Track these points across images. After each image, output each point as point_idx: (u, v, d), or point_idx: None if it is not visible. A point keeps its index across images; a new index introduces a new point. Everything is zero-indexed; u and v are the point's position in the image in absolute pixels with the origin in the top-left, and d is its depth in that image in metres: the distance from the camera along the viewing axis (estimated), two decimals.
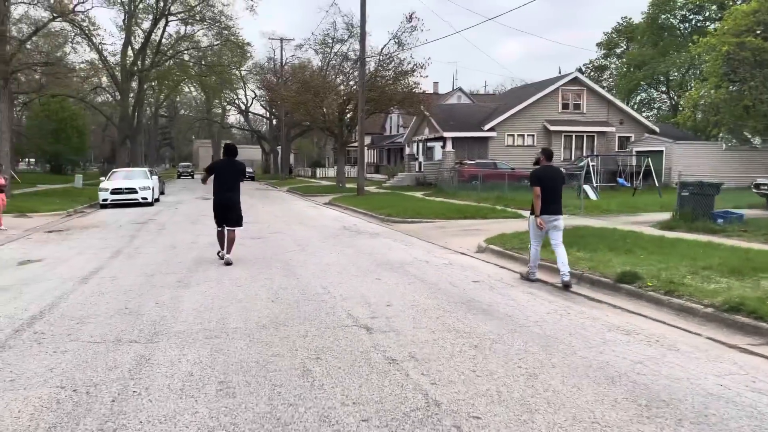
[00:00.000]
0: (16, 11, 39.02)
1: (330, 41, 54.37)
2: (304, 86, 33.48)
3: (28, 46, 33.59)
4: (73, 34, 43.64)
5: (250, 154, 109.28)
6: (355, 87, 30.11)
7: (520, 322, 5.96)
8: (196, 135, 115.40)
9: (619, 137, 35.85)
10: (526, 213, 9.29)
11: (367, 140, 57.85)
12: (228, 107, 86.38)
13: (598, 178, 26.84)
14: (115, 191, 22.35)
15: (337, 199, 25.23)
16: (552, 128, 34.65)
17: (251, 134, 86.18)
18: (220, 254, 9.79)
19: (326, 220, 17.22)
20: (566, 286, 7.56)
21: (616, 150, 34.46)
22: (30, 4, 33.93)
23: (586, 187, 21.68)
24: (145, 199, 22.80)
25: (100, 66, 47.67)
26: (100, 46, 44.41)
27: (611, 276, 7.58)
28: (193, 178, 61.90)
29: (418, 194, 27.65)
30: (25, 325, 5.81)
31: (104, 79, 51.65)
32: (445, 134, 33.93)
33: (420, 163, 40.37)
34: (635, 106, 51.62)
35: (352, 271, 8.86)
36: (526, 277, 8.25)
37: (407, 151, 43.01)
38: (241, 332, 5.54)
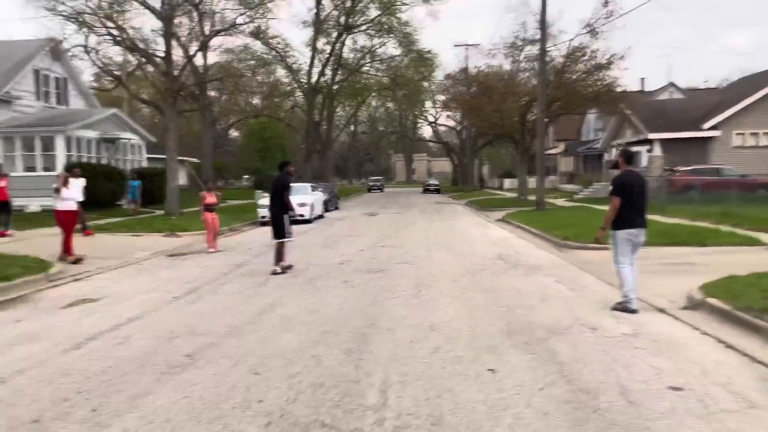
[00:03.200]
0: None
1: (520, 43, 50.52)
2: (480, 90, 30.26)
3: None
4: (268, 55, 45.91)
5: (440, 166, 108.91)
6: (535, 85, 26.15)
7: None
8: (394, 149, 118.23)
9: None
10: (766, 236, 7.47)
11: (561, 147, 52.55)
12: (418, 120, 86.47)
13: None
14: None
15: (512, 215, 21.60)
16: None
17: (441, 146, 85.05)
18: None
19: (483, 245, 13.89)
20: (631, 311, 6.71)
21: None
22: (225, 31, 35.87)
23: None
24: (303, 216, 21.49)
25: (295, 85, 49.84)
26: (292, 66, 46.20)
27: None
28: (382, 191, 61.92)
29: None
30: None
31: (300, 98, 53.96)
32: (651, 135, 28.18)
33: None
34: None
35: (461, 345, 5.58)
36: (625, 308, 6.87)
37: (605, 157, 37.36)
38: None
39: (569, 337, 5.83)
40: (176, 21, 23.94)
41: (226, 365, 5.06)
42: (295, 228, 19.58)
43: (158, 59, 21.48)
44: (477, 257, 11.70)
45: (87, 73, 26.85)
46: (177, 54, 25.10)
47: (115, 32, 21.27)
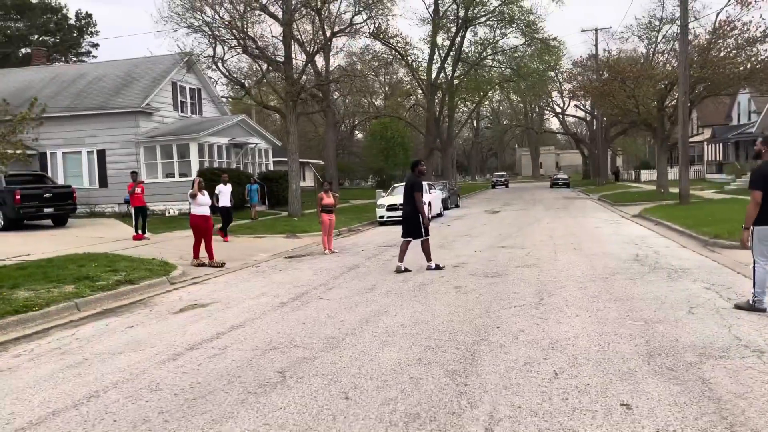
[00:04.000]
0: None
1: (657, 23, 46.50)
2: (612, 74, 27.95)
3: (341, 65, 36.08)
4: (389, 56, 46.10)
5: (569, 159, 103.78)
6: (677, 66, 23.54)
7: None
8: (519, 143, 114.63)
9: None
10: None
11: (707, 133, 47.66)
12: (545, 112, 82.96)
13: None
14: (390, 207, 21.12)
15: (650, 210, 19.59)
16: None
17: (570, 139, 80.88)
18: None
19: (616, 244, 12.51)
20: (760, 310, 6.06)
21: None
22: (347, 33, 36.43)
23: None
24: None
25: (415, 83, 49.70)
26: (413, 64, 46.02)
27: None
28: (507, 187, 60.06)
29: None
30: None
31: (420, 96, 53.74)
32: None
33: None
34: None
35: (587, 370, 4.70)
36: (752, 306, 6.28)
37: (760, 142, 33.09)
38: None
39: (727, 363, 4.72)
40: (296, 25, 24.57)
41: (317, 385, 4.60)
42: None
43: (279, 64, 22.03)
44: (609, 259, 10.47)
45: (219, 82, 28.24)
46: (299, 59, 25.76)
47: (239, 41, 22.15)
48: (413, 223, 10.22)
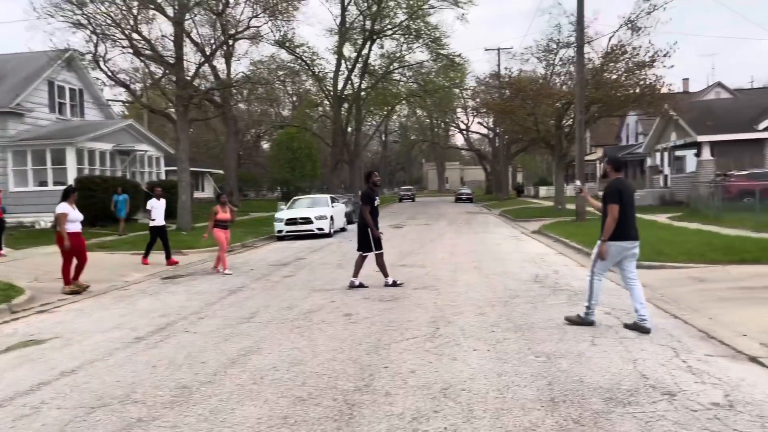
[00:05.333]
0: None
1: (554, 46, 48.41)
2: (513, 93, 28.44)
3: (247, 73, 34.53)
4: (294, 65, 44.98)
5: (473, 174, 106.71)
6: (573, 86, 24.21)
7: None
8: (426, 158, 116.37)
9: None
10: None
11: (599, 153, 50.13)
12: (450, 128, 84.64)
13: None
14: (289, 221, 20.01)
15: (549, 227, 19.73)
16: None
17: (474, 155, 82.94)
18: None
19: (517, 263, 12.15)
20: (644, 330, 6.18)
21: None
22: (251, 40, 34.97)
23: None
24: (322, 229, 20.07)
25: (322, 94, 48.80)
26: (319, 75, 45.14)
27: None
28: (413, 201, 60.25)
29: (663, 217, 20.72)
30: None
31: (327, 108, 52.87)
32: (700, 138, 25.91)
33: (665, 176, 32.31)
34: None
35: (484, 425, 3.94)
36: (581, 321, 6.53)
37: (648, 162, 35.05)
38: None
39: (637, 411, 4.13)
40: (195, 29, 23.03)
41: None
42: (312, 243, 18.32)
43: (170, 65, 20.39)
44: (510, 279, 10.00)
45: (106, 84, 25.93)
46: (193, 61, 24.14)
47: (129, 39, 20.30)
48: (360, 235, 9.81)
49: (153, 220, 13.76)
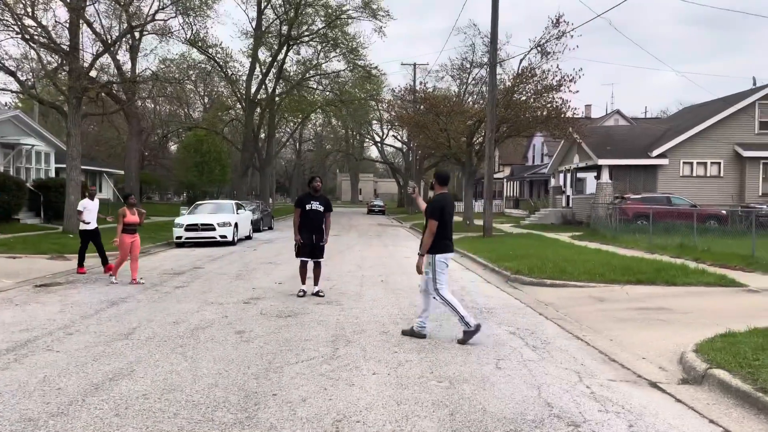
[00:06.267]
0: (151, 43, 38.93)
1: (468, 65, 49.66)
2: (427, 107, 28.67)
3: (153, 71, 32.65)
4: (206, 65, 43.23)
5: (387, 187, 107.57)
6: (485, 105, 24.70)
7: None
8: (340, 169, 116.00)
9: None
10: (735, 274, 8.64)
11: (507, 171, 51.82)
12: (365, 139, 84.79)
13: None
14: (190, 227, 18.87)
15: (458, 242, 19.69)
16: (746, 153, 26.47)
17: (388, 167, 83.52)
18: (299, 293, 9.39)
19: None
20: (420, 336, 6.60)
21: None
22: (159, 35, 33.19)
23: None
24: (225, 237, 19.08)
25: (235, 98, 47.20)
26: (232, 77, 43.67)
27: None
28: None
29: (565, 236, 21.41)
30: None
31: (239, 111, 51.25)
32: (600, 162, 27.18)
33: (568, 197, 33.70)
34: None
35: None
36: (415, 332, 6.71)
37: (552, 182, 36.48)
38: None
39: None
40: (99, 19, 21.39)
41: None
42: (213, 251, 17.34)
43: (63, 52, 18.73)
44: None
45: None
46: (92, 52, 22.43)
47: (17, 24, 18.46)
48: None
49: (87, 223, 12.02)
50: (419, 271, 6.76)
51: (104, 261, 12.23)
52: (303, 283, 9.65)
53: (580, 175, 34.61)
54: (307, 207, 9.32)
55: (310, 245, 9.34)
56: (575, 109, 29.33)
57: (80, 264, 12.18)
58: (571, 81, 25.82)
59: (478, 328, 6.48)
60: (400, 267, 13.75)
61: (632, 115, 49.81)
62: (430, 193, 7.05)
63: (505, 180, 52.15)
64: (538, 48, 26.17)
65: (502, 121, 26.66)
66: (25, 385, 4.89)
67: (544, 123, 27.22)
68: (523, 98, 26.79)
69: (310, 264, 9.51)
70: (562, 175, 35.12)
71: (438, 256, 6.63)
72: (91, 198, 12.37)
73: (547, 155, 43.85)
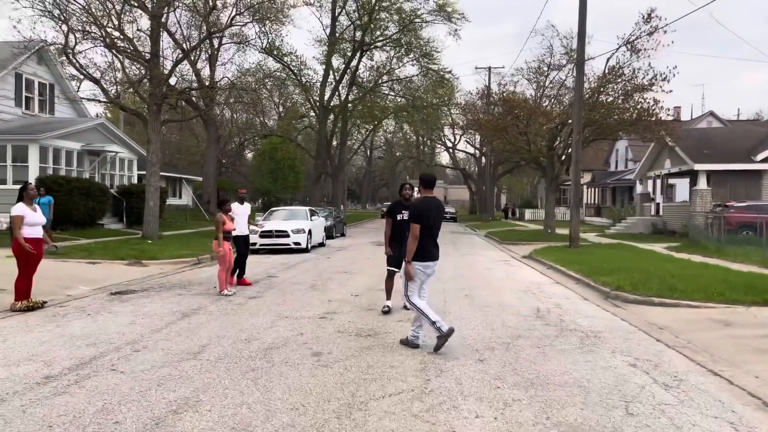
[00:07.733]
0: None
1: (545, 68, 47.79)
2: (507, 109, 27.43)
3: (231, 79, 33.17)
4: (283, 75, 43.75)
5: (457, 194, 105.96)
6: (569, 107, 23.26)
7: None
8: (410, 175, 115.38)
9: None
10: None
11: (587, 177, 49.41)
12: (437, 145, 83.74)
13: None
14: (264, 234, 18.57)
15: (541, 252, 18.55)
16: None
17: (459, 174, 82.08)
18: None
19: (512, 292, 10.90)
20: (413, 346, 6.41)
21: None
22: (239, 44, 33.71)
23: None
24: (298, 244, 18.68)
25: (309, 105, 47.53)
26: (306, 84, 43.94)
27: None
28: None
29: (659, 247, 19.70)
30: None
31: (313, 119, 51.60)
32: (697, 166, 25.04)
33: (657, 204, 31.45)
34: None
35: None
36: (410, 342, 6.51)
37: (639, 189, 34.24)
38: None
39: None
40: (180, 29, 21.67)
41: None
42: (287, 259, 16.93)
43: (144, 60, 18.97)
44: (507, 313, 8.73)
45: (77, 79, 24.36)
46: (172, 59, 22.75)
47: (102, 34, 18.86)
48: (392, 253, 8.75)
49: (233, 229, 10.93)
50: (408, 278, 6.48)
51: (242, 272, 11.55)
52: (388, 298, 8.85)
53: (671, 181, 32.28)
54: (398, 217, 8.45)
55: (399, 257, 8.49)
56: (668, 110, 27.27)
57: (239, 274, 11.43)
58: (663, 80, 23.94)
59: (450, 331, 6.21)
60: (484, 280, 12.76)
61: (726, 117, 46.44)
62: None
63: (585, 186, 49.77)
64: (627, 45, 24.45)
65: (587, 124, 25.06)
66: (80, 416, 4.32)
67: (633, 125, 25.40)
68: (610, 99, 25.12)
69: (398, 277, 8.67)
70: (650, 182, 32.87)
71: (415, 263, 6.39)
72: (241, 202, 11.72)
73: (631, 160, 41.40)
